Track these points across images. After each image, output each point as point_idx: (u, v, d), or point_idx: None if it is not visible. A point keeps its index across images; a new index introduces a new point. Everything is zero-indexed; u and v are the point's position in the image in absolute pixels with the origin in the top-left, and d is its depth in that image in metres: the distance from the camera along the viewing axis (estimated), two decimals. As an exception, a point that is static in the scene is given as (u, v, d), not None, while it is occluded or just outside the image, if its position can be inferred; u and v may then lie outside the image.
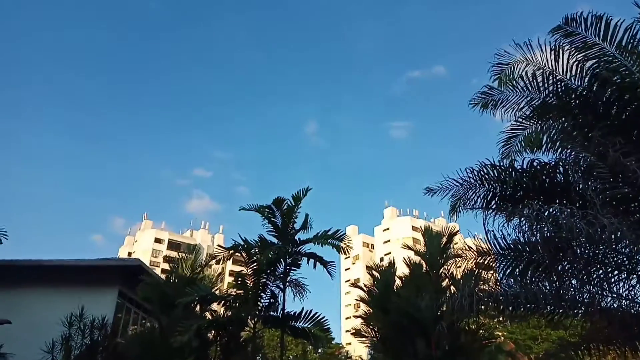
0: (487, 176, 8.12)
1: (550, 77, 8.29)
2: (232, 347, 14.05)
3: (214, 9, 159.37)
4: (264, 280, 14.04)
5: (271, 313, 14.14)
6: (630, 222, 6.38)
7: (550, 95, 8.37)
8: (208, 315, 15.11)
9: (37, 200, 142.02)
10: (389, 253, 71.29)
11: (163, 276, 19.29)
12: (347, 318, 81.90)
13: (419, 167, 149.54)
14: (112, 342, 14.25)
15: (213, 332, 14.57)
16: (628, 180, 6.79)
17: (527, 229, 6.57)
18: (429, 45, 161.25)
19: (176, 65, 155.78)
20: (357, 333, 18.57)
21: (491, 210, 8.10)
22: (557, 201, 7.38)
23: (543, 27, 8.82)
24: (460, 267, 10.04)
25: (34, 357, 12.82)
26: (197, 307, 15.10)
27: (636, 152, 6.80)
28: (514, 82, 8.81)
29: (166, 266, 62.64)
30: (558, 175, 7.65)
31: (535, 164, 7.71)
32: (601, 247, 6.47)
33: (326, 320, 13.66)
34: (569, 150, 8.15)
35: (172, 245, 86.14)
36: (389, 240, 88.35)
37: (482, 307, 7.29)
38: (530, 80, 8.47)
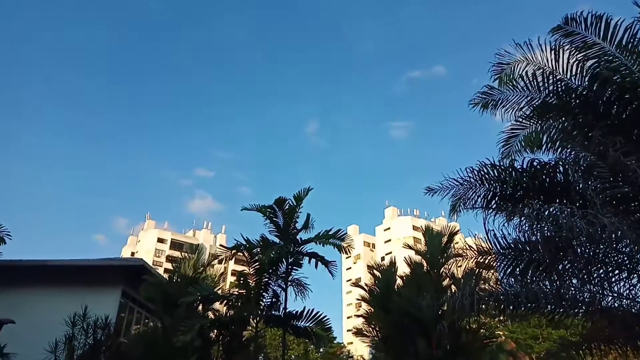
0: (487, 176, 8.14)
1: (551, 77, 8.31)
2: (234, 346, 14.10)
3: (214, 9, 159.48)
4: (266, 279, 14.09)
5: (273, 312, 14.18)
6: (631, 222, 6.40)
7: (551, 95, 8.38)
8: (210, 314, 15.16)
9: (40, 200, 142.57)
10: (390, 252, 71.24)
11: (166, 276, 19.35)
12: (348, 317, 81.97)
13: (419, 167, 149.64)
14: (115, 341, 14.30)
15: (215, 331, 14.62)
16: (628, 180, 6.81)
17: (527, 228, 6.60)
18: (429, 45, 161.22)
19: (177, 65, 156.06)
20: (358, 332, 18.61)
21: (491, 210, 8.13)
22: (558, 201, 7.40)
23: (543, 27, 8.84)
24: (461, 266, 10.11)
25: (38, 356, 12.88)
26: (200, 307, 15.15)
27: (636, 152, 6.81)
28: (514, 82, 8.83)
29: (169, 266, 62.87)
30: (558, 174, 7.67)
31: (535, 163, 7.73)
32: (602, 247, 6.49)
33: (328, 319, 13.71)
34: (569, 150, 8.16)
35: (175, 245, 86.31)
36: (389, 240, 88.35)
37: (483, 306, 7.31)
38: (531, 80, 8.49)
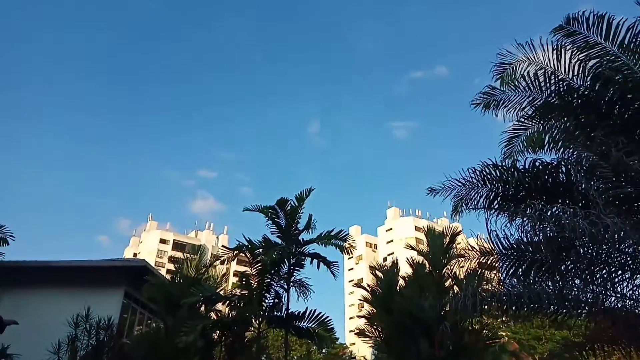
0: (489, 176, 8.12)
1: (552, 77, 8.29)
2: (236, 347, 14.11)
3: (214, 9, 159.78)
4: (268, 280, 14.09)
5: (275, 313, 14.18)
6: (634, 222, 6.36)
7: (553, 95, 8.37)
8: (213, 315, 15.16)
9: (43, 201, 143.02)
10: (392, 253, 71.05)
11: (168, 277, 19.38)
12: (350, 318, 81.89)
13: (421, 168, 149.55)
14: (118, 342, 14.33)
15: (218, 332, 14.62)
16: (631, 180, 6.80)
17: (529, 228, 6.58)
18: (431, 46, 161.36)
19: (177, 65, 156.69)
20: (360, 333, 18.59)
21: (494, 210, 8.10)
22: (560, 201, 7.38)
23: (545, 27, 8.84)
24: (463, 267, 10.10)
25: (41, 357, 12.92)
26: (202, 308, 15.17)
27: (639, 152, 6.80)
28: (516, 82, 8.82)
29: (171, 267, 62.83)
30: (560, 175, 7.65)
31: (537, 163, 7.71)
32: (604, 247, 6.48)
33: (330, 320, 13.69)
34: (571, 150, 8.15)
35: (177, 245, 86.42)
36: (392, 241, 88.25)
37: (486, 307, 7.31)
38: (532, 80, 8.47)
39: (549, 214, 6.23)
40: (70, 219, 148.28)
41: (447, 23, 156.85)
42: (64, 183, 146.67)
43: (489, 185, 8.23)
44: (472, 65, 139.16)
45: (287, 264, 14.17)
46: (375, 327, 17.81)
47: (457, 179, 8.43)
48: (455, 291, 14.47)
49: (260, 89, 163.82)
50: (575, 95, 8.19)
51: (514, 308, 7.20)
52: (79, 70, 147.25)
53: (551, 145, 8.70)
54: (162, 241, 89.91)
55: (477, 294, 6.94)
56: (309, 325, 13.67)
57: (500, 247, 7.19)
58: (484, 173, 8.13)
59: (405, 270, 17.89)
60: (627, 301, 6.92)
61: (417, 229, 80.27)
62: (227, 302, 14.68)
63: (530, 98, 8.65)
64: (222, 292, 16.22)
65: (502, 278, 7.67)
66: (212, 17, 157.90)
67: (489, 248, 7.78)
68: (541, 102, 8.57)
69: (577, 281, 7.11)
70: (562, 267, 7.00)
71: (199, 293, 13.24)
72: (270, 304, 14.17)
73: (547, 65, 8.39)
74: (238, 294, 14.59)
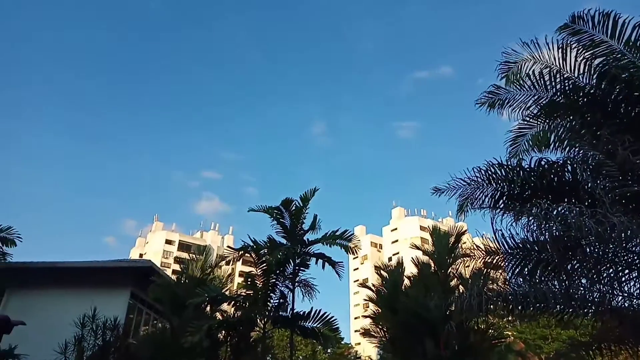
0: (494, 175, 8.11)
1: (558, 76, 8.26)
2: (242, 347, 14.14)
3: (214, 9, 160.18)
4: (274, 280, 14.11)
5: (281, 313, 14.21)
6: (640, 221, 6.34)
7: (558, 93, 8.34)
8: (218, 315, 15.21)
9: (49, 202, 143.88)
10: (397, 253, 71.08)
11: (174, 277, 19.45)
12: (356, 318, 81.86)
13: (426, 167, 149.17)
14: (124, 342, 14.40)
15: (223, 332, 14.67)
16: (637, 178, 6.77)
17: (535, 228, 6.57)
18: (435, 46, 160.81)
19: (178, 65, 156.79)
20: (366, 333, 18.60)
21: (499, 210, 8.09)
22: (566, 200, 7.35)
23: (550, 26, 8.82)
24: (468, 266, 10.04)
25: (47, 357, 13.01)
26: (208, 308, 15.22)
27: (645, 150, 6.76)
28: (521, 81, 8.79)
29: (177, 267, 63.08)
30: (566, 174, 7.62)
31: (543, 162, 7.68)
32: (611, 246, 6.44)
33: (335, 320, 13.71)
34: (577, 149, 8.12)
35: (183, 246, 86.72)
36: (397, 240, 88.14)
37: (491, 306, 7.28)
38: (538, 78, 8.45)
39: (554, 213, 6.21)
40: (77, 220, 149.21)
41: (450, 23, 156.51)
42: (69, 184, 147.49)
43: (494, 184, 8.22)
44: (477, 65, 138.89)
45: (292, 264, 14.19)
46: (380, 327, 17.81)
47: (462, 178, 8.43)
48: (461, 291, 14.46)
49: (261, 89, 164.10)
50: (581, 94, 8.16)
51: (519, 307, 7.18)
52: (79, 70, 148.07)
53: (557, 144, 8.67)
54: (168, 242, 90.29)
55: (483, 294, 6.93)
56: (314, 325, 13.69)
57: (506, 247, 7.18)
58: (489, 172, 8.11)
59: (410, 270, 17.87)
60: (634, 300, 6.89)
61: (422, 228, 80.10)
62: (233, 302, 14.72)
63: (536, 97, 8.62)
64: (227, 293, 16.25)
65: (507, 277, 7.65)
66: (212, 17, 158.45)
67: (494, 247, 7.76)
68: (547, 101, 8.55)
69: (583, 280, 7.08)
70: (569, 267, 6.97)
71: (204, 293, 13.28)
72: (276, 304, 14.20)
73: (553, 64, 8.35)
74: (243, 294, 14.64)
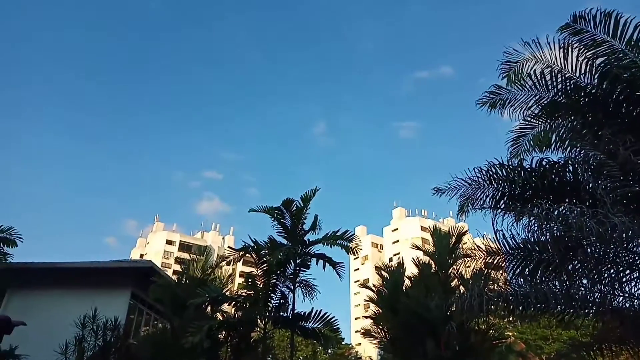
0: (495, 176, 8.09)
1: (559, 75, 8.25)
2: (242, 347, 14.13)
3: (215, 9, 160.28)
4: (274, 281, 14.10)
5: (281, 313, 14.19)
6: (642, 221, 6.32)
7: (559, 93, 8.32)
8: (219, 316, 15.20)
9: (49, 202, 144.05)
10: (398, 253, 71.04)
11: (174, 277, 19.44)
12: (356, 318, 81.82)
13: (427, 167, 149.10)
14: (125, 343, 14.39)
15: (224, 332, 14.65)
16: (639, 179, 6.75)
17: (536, 228, 6.55)
18: (435, 46, 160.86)
19: (178, 65, 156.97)
20: (366, 333, 18.58)
21: (500, 210, 8.07)
22: (567, 200, 7.34)
23: (550, 26, 8.79)
24: (469, 267, 10.03)
25: (48, 358, 13.00)
26: (208, 308, 15.21)
27: (647, 150, 6.74)
28: (523, 81, 8.78)
29: (177, 267, 63.14)
30: (567, 174, 7.60)
31: (544, 163, 7.67)
32: (612, 246, 6.43)
33: (336, 320, 13.69)
34: (578, 149, 8.10)
35: (183, 246, 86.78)
36: (397, 241, 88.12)
37: (492, 307, 7.27)
38: (539, 78, 8.43)
39: (555, 213, 6.20)
40: (77, 221, 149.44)
41: (450, 23, 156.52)
42: (69, 184, 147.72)
43: (495, 184, 8.20)
44: (477, 65, 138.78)
45: (292, 264, 14.18)
46: (381, 327, 17.79)
47: (463, 178, 8.42)
48: (462, 291, 14.43)
49: (262, 89, 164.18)
50: (583, 94, 8.14)
51: (520, 308, 7.17)
52: (80, 70, 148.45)
53: (558, 144, 8.65)
54: (169, 242, 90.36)
55: (484, 294, 6.91)
56: (315, 325, 13.68)
57: (507, 247, 7.16)
58: (490, 173, 8.10)
59: (411, 270, 17.85)
60: (635, 301, 6.88)
61: (423, 229, 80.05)
62: (233, 302, 14.71)
63: (537, 97, 8.61)
64: (228, 293, 16.23)
65: (508, 278, 7.63)
66: (212, 17, 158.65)
67: (495, 248, 7.74)
68: (548, 100, 8.53)
69: (584, 281, 7.07)
70: (569, 267, 6.96)
71: (205, 294, 13.26)
72: (276, 304, 14.18)
73: (554, 64, 8.34)
74: (244, 294, 14.62)
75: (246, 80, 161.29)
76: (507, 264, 7.49)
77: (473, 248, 8.54)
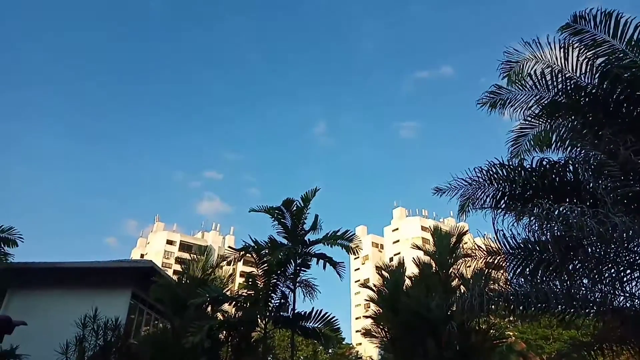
0: (496, 175, 8.09)
1: (560, 75, 8.25)
2: (243, 347, 14.13)
3: (216, 10, 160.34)
4: (274, 280, 14.10)
5: (282, 313, 14.19)
6: (642, 221, 6.32)
7: (560, 93, 8.32)
8: (219, 316, 15.20)
9: (50, 203, 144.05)
10: (399, 253, 71.02)
11: (175, 277, 19.45)
12: (357, 318, 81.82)
13: (427, 167, 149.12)
14: (125, 343, 14.40)
15: (224, 332, 14.65)
16: (639, 178, 6.75)
17: (537, 228, 6.56)
18: (436, 46, 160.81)
19: (179, 66, 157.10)
20: (367, 333, 18.57)
21: (500, 210, 8.07)
22: (567, 200, 7.34)
23: (552, 26, 8.78)
24: (470, 266, 10.05)
25: (49, 358, 13.01)
26: (209, 308, 15.20)
27: (647, 150, 6.74)
28: (523, 81, 8.78)
29: (178, 267, 63.20)
30: (568, 174, 7.60)
31: (544, 162, 7.67)
32: (613, 246, 6.44)
33: (336, 320, 13.68)
34: (579, 149, 8.10)
35: (184, 246, 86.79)
36: (398, 241, 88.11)
37: (493, 306, 7.27)
38: (539, 78, 8.43)
39: (556, 213, 6.20)
40: (78, 221, 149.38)
41: (451, 23, 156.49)
42: (70, 185, 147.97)
43: (495, 184, 8.20)
44: (478, 65, 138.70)
45: (293, 264, 14.18)
46: (381, 327, 17.77)
47: (463, 178, 8.42)
48: (462, 291, 14.42)
49: (262, 89, 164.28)
50: (583, 94, 8.14)
51: (521, 308, 7.18)
52: (80, 70, 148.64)
53: (558, 144, 8.65)
54: (169, 242, 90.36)
55: (484, 294, 6.91)
56: (315, 325, 13.67)
57: (507, 247, 7.17)
58: (491, 172, 8.10)
59: (411, 270, 17.84)
60: (636, 300, 6.88)
61: (423, 228, 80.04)
62: (234, 302, 14.71)
63: (537, 97, 8.61)
64: (228, 293, 16.24)
65: (509, 278, 7.64)
66: (212, 18, 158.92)
67: (496, 247, 7.75)
68: (548, 100, 8.53)
69: (585, 280, 7.07)
70: (570, 267, 6.96)
71: (205, 294, 13.27)
72: (277, 304, 14.18)
73: (554, 64, 8.34)
74: (244, 294, 14.62)
75: (247, 81, 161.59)
76: (508, 263, 7.49)
77: (474, 248, 8.55)
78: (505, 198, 8.25)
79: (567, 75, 8.21)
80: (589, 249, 6.53)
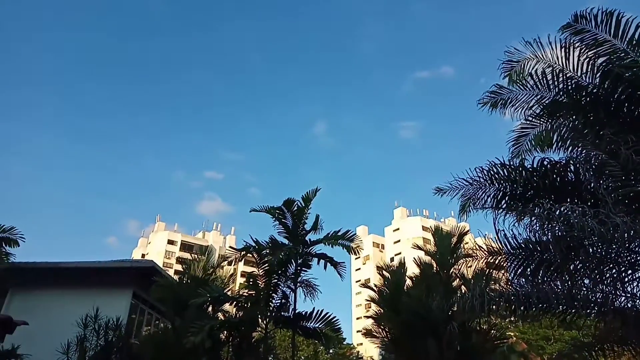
0: (497, 175, 8.08)
1: (561, 75, 8.23)
2: (244, 347, 14.12)
3: (219, 13, 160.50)
4: (275, 280, 14.09)
5: (282, 313, 14.18)
6: (644, 221, 6.30)
7: (561, 93, 8.30)
8: (220, 316, 15.19)
9: (51, 203, 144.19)
10: (399, 253, 71.03)
11: (176, 277, 19.45)
12: (358, 318, 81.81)
13: (428, 167, 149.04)
14: (127, 343, 14.41)
15: (225, 332, 14.65)
16: (641, 178, 6.73)
17: (538, 228, 6.54)
18: (436, 46, 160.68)
19: (179, 66, 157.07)
20: (368, 333, 18.56)
21: (501, 210, 8.07)
22: (568, 200, 7.33)
23: (553, 26, 8.77)
24: (471, 266, 10.03)
25: (50, 357, 13.01)
26: (210, 308, 15.20)
27: (649, 150, 6.72)
28: (524, 80, 8.76)
29: (179, 267, 63.16)
30: (569, 173, 7.59)
31: (545, 162, 7.66)
32: (614, 246, 6.42)
33: (337, 320, 13.65)
34: (580, 149, 8.08)
35: (185, 246, 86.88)
36: (399, 241, 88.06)
37: (494, 307, 7.27)
38: (540, 78, 8.42)
39: (557, 213, 6.18)
40: (79, 221, 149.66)
41: (451, 23, 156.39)
42: (71, 185, 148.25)
43: (496, 184, 8.19)
44: (478, 65, 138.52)
45: (294, 264, 14.17)
46: (382, 327, 17.76)
47: (464, 178, 8.41)
48: (463, 291, 14.41)
49: (263, 89, 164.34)
50: (584, 93, 8.12)
51: (522, 308, 7.16)
52: (80, 70, 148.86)
53: (559, 144, 8.62)
54: (170, 242, 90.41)
55: (485, 294, 6.91)
56: (316, 325, 13.65)
57: (508, 247, 7.15)
58: (492, 172, 8.09)
59: (412, 270, 17.83)
60: (637, 301, 6.87)
61: (424, 228, 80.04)
62: (235, 302, 14.71)
63: (539, 96, 8.59)
64: (229, 293, 16.24)
65: (510, 278, 7.63)
66: (214, 19, 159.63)
67: (496, 248, 7.74)
68: (549, 100, 8.51)
69: (586, 281, 7.06)
70: (571, 267, 6.95)
71: (206, 294, 13.26)
72: (278, 304, 14.17)
73: (555, 63, 8.32)
74: (245, 294, 14.61)
75: (248, 81, 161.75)
76: (509, 263, 7.48)
77: (474, 248, 8.55)
78: (507, 198, 8.24)
79: (568, 75, 8.19)
80: (590, 249, 6.52)
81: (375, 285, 19.21)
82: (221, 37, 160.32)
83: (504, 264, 8.00)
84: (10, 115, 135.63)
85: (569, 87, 8.18)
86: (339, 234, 14.38)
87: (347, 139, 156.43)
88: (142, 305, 18.32)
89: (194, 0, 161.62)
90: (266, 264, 14.13)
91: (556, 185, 7.62)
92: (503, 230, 7.04)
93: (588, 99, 8.10)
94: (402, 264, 17.85)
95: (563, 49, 8.26)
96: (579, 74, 8.15)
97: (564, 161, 7.76)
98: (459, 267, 15.43)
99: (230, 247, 17.40)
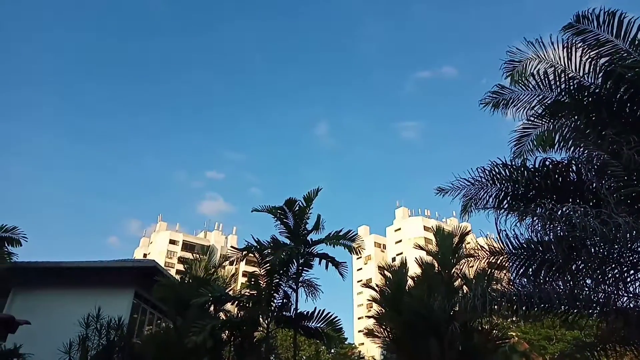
0: (498, 175, 8.08)
1: (563, 75, 8.22)
2: (245, 347, 14.14)
3: (220, 13, 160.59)
4: (277, 280, 14.11)
5: (284, 313, 14.19)
6: (646, 221, 6.29)
7: (563, 93, 8.29)
8: (222, 315, 15.21)
9: (53, 202, 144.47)
10: (401, 253, 70.90)
11: (178, 277, 19.49)
12: (359, 318, 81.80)
13: (430, 167, 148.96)
14: (128, 342, 14.44)
15: (227, 332, 14.67)
16: (643, 179, 6.72)
17: (540, 228, 6.54)
18: (437, 46, 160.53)
19: (182, 67, 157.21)
20: (369, 333, 18.56)
21: (503, 210, 8.06)
22: (570, 200, 7.33)
23: (555, 26, 8.77)
24: (472, 266, 10.05)
25: (52, 357, 13.05)
26: (211, 308, 15.22)
27: (651, 150, 6.71)
28: (526, 81, 8.75)
29: (181, 267, 63.25)
30: (571, 174, 7.59)
31: (547, 162, 7.65)
32: (616, 246, 6.40)
33: (339, 320, 13.66)
34: (582, 149, 8.07)
35: (187, 246, 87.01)
36: (400, 241, 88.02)
37: (495, 307, 7.27)
38: (542, 78, 8.41)
39: (559, 213, 6.18)
40: (81, 221, 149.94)
41: (452, 23, 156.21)
42: (72, 185, 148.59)
43: (498, 184, 8.19)
44: (480, 65, 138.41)
45: (295, 264, 14.18)
46: (384, 327, 17.76)
47: (466, 178, 8.41)
48: (465, 291, 14.41)
49: (265, 89, 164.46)
50: (586, 94, 8.11)
51: (524, 308, 7.16)
52: (81, 71, 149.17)
53: (561, 144, 8.61)
54: (172, 242, 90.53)
55: (487, 294, 6.90)
56: (318, 325, 13.66)
57: (510, 247, 7.15)
58: (494, 172, 8.09)
59: (414, 270, 17.83)
60: (640, 301, 6.85)
61: (426, 228, 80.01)
62: (236, 302, 14.72)
63: (540, 96, 8.58)
64: (231, 293, 16.27)
65: (512, 278, 7.63)
66: (215, 19, 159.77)
67: (498, 248, 7.74)
68: (551, 100, 8.50)
69: (588, 281, 7.05)
70: (573, 267, 6.94)
71: (208, 293, 13.28)
72: (279, 304, 14.19)
73: (557, 63, 8.31)
74: (247, 294, 14.63)
75: (249, 81, 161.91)
76: (511, 264, 7.47)
77: (476, 248, 8.55)
78: (508, 198, 8.24)
79: (570, 75, 8.18)
80: (592, 249, 6.51)
81: (377, 285, 19.21)
82: (221, 37, 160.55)
83: (506, 264, 8.00)
84: (10, 115, 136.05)
85: (571, 87, 8.17)
86: (341, 234, 14.39)
87: (348, 139, 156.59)
88: (144, 305, 18.35)
89: (194, 0, 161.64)
90: (268, 264, 14.14)
91: (558, 185, 7.62)
92: (505, 230, 7.04)
93: (590, 99, 8.09)
94: (403, 264, 17.84)
95: (565, 49, 8.26)
96: (581, 74, 8.14)
97: (566, 161, 7.76)
98: (461, 267, 15.43)
99: (231, 246, 17.41)
